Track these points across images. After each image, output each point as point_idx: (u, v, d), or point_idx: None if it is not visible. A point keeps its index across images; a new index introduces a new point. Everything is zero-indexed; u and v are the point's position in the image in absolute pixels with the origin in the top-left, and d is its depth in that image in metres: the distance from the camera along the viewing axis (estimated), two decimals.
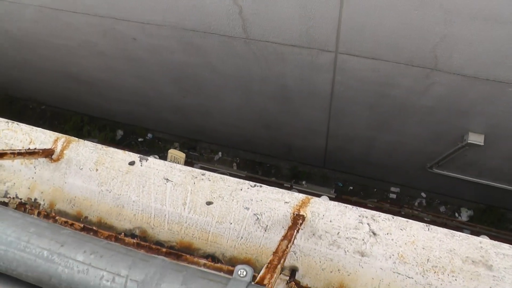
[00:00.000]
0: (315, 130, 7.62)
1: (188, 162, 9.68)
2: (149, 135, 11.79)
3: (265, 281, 1.31)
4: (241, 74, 5.93)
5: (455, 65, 4.22)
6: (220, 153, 11.25)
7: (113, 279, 1.11)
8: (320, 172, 10.58)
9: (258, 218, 2.28)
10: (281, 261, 1.53)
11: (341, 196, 8.77)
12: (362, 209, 2.23)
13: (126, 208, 2.44)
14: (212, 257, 2.26)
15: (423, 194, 10.14)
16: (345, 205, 2.25)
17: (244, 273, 1.20)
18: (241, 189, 2.34)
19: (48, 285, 1.16)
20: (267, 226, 2.27)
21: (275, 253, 1.58)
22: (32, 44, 7.27)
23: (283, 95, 6.35)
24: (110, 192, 2.47)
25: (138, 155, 2.53)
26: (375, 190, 10.43)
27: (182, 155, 3.55)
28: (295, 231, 1.91)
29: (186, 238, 2.32)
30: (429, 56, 4.17)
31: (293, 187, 8.46)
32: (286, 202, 2.28)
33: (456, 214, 9.94)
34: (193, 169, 2.43)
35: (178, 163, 3.61)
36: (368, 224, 2.20)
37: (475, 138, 5.69)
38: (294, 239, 1.84)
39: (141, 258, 1.14)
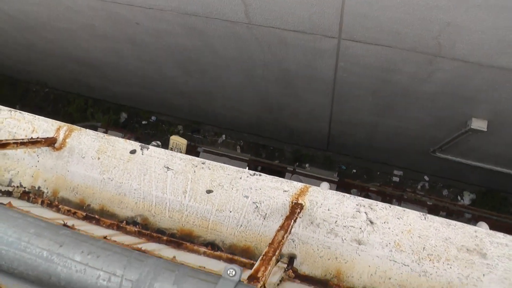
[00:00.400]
0: (318, 115, 7.62)
1: (192, 146, 9.73)
2: (153, 118, 11.82)
3: (259, 274, 1.35)
4: (244, 58, 5.93)
5: (459, 52, 4.20)
6: (223, 136, 11.29)
7: (109, 278, 1.14)
8: (323, 155, 10.60)
9: (257, 206, 2.32)
10: (277, 253, 1.56)
11: (343, 180, 8.79)
12: (360, 198, 2.26)
13: (127, 196, 2.48)
14: (212, 245, 2.30)
15: (426, 178, 10.16)
16: (343, 194, 2.28)
17: (233, 272, 1.23)
18: (241, 178, 2.37)
19: (48, 284, 1.19)
20: (266, 214, 2.30)
21: (271, 244, 1.61)
22: (34, 27, 7.26)
23: (285, 80, 6.35)
24: (112, 180, 2.51)
25: (139, 143, 2.56)
26: (378, 173, 10.46)
27: (183, 141, 3.58)
28: (292, 221, 1.94)
29: (187, 226, 2.37)
30: (432, 43, 4.15)
31: (296, 170, 8.49)
32: (285, 191, 2.31)
33: (459, 198, 9.97)
34: (194, 157, 2.45)
35: (180, 149, 3.66)
36: (365, 213, 2.23)
37: (479, 124, 5.68)
38: (291, 229, 1.88)
39: (136, 258, 1.17)
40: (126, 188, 2.48)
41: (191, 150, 9.43)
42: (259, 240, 2.28)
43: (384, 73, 5.14)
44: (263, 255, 1.50)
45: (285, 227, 1.80)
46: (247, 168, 9.13)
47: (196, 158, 2.46)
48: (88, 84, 10.38)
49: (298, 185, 2.32)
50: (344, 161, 10.51)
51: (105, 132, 9.86)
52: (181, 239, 2.32)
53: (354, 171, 10.44)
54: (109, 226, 2.24)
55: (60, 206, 2.33)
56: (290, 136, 10.00)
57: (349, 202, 2.25)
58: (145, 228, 2.36)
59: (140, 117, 11.88)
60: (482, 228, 3.35)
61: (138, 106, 11.58)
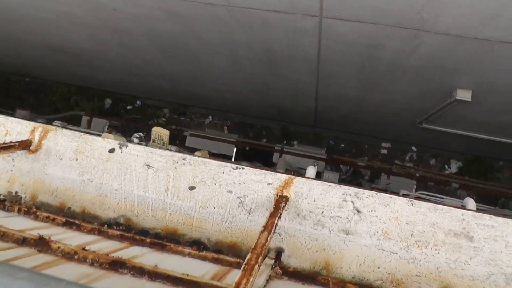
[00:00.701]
0: (304, 92, 7.56)
1: (178, 130, 9.64)
2: (138, 102, 11.68)
3: (241, 287, 1.30)
4: (226, 40, 5.81)
5: (442, 26, 4.13)
6: (210, 117, 11.20)
7: None
8: (311, 131, 10.58)
9: (241, 201, 2.27)
10: (260, 259, 1.51)
11: (332, 156, 8.78)
12: (346, 187, 2.22)
13: (109, 196, 2.41)
14: (198, 243, 2.26)
15: (413, 148, 10.21)
16: (328, 183, 2.23)
17: None
18: (223, 172, 2.32)
19: None
20: (251, 208, 2.26)
21: (253, 250, 1.56)
22: (10, 17, 7.05)
23: (269, 59, 6.25)
24: (92, 181, 2.45)
25: (118, 141, 2.48)
26: (366, 146, 10.48)
27: (166, 132, 3.50)
28: (277, 218, 1.90)
29: (171, 225, 2.32)
30: (416, 17, 4.07)
31: (284, 149, 8.45)
32: (269, 184, 2.27)
33: (446, 166, 10.04)
34: (174, 153, 2.39)
35: (163, 140, 3.58)
36: (352, 202, 2.20)
37: (463, 95, 5.69)
38: (275, 228, 1.83)
39: None
40: (107, 188, 2.42)
41: (178, 135, 9.35)
42: (245, 235, 2.24)
43: (369, 49, 5.06)
44: (245, 264, 1.45)
45: (268, 227, 1.76)
46: (234, 149, 9.10)
47: (177, 154, 2.39)
48: (70, 72, 10.18)
49: (282, 176, 2.27)
50: (332, 136, 10.50)
51: (90, 120, 9.75)
52: (165, 238, 2.27)
53: (343, 145, 10.44)
54: (90, 231, 2.17)
55: (38, 213, 2.26)
56: (277, 114, 9.93)
57: (335, 192, 2.21)
58: (128, 230, 2.31)
59: (125, 102, 11.73)
60: (469, 205, 3.36)
61: (123, 92, 11.41)
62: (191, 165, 2.36)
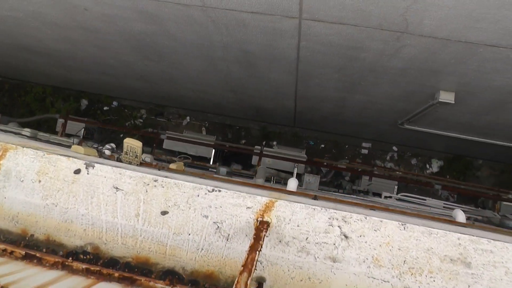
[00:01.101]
0: (283, 93, 7.41)
1: (154, 133, 9.39)
2: (115, 103, 11.38)
3: None
4: (202, 41, 5.61)
5: (427, 29, 4.01)
6: (188, 118, 10.97)
7: None
8: (291, 131, 10.45)
9: (218, 226, 2.09)
10: None
11: (312, 159, 8.65)
12: (332, 210, 2.06)
13: (75, 222, 2.20)
14: (172, 272, 2.07)
15: (394, 148, 10.17)
16: (313, 207, 2.07)
17: None
18: (198, 195, 2.13)
19: None
20: (229, 235, 2.08)
21: None
22: None
23: (247, 61, 6.08)
24: (56, 206, 2.23)
25: (84, 161, 2.27)
26: (346, 146, 10.39)
27: (138, 144, 3.30)
28: (257, 253, 1.72)
29: (142, 253, 2.12)
30: (399, 20, 3.94)
31: (264, 152, 8.28)
32: (248, 208, 2.09)
33: (427, 165, 10.02)
34: (144, 174, 2.19)
35: (135, 152, 3.37)
36: (339, 226, 2.04)
37: (446, 97, 5.63)
38: (255, 265, 1.65)
39: None
40: (73, 213, 2.21)
41: (154, 138, 9.11)
42: (223, 263, 2.06)
43: (350, 50, 4.92)
44: None
45: (248, 265, 1.58)
46: (213, 152, 8.89)
47: (147, 175, 2.20)
48: (45, 72, 9.86)
49: (263, 199, 2.10)
50: (312, 136, 10.39)
51: (65, 123, 9.42)
52: (136, 269, 2.07)
53: (323, 146, 10.33)
54: (53, 266, 1.96)
55: None
56: (256, 115, 9.78)
57: (321, 216, 2.05)
58: (96, 259, 2.11)
59: (102, 103, 11.42)
60: (459, 217, 3.23)
61: (99, 92, 11.12)
62: (163, 187, 2.17)
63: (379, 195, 7.32)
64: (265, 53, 5.59)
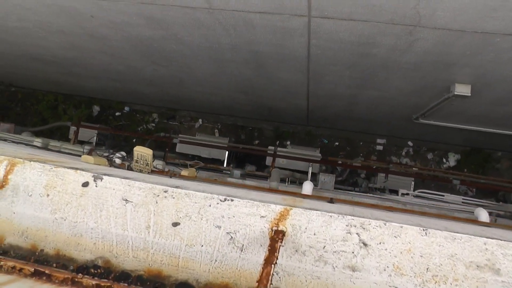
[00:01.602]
0: (294, 92, 7.32)
1: (167, 137, 9.35)
2: (126, 109, 11.39)
3: None
4: (210, 44, 5.55)
5: (440, 21, 3.89)
6: (200, 120, 10.92)
7: None
8: (304, 130, 10.34)
9: (232, 237, 2.01)
10: None
11: (327, 158, 8.53)
12: (350, 217, 1.97)
13: (84, 236, 2.15)
14: (185, 285, 2.00)
15: (409, 143, 10.00)
16: (330, 214, 1.98)
17: None
18: (210, 205, 2.06)
19: None
20: (243, 245, 2.00)
21: None
22: None
23: (256, 61, 6.00)
24: (65, 220, 2.18)
25: (92, 173, 2.21)
26: (361, 143, 10.25)
27: (149, 152, 3.24)
28: (273, 266, 1.64)
29: (154, 266, 2.06)
30: (411, 13, 3.83)
31: (277, 152, 8.19)
32: (262, 216, 2.01)
33: (444, 160, 9.84)
34: (154, 185, 2.13)
35: (146, 160, 3.31)
36: (357, 233, 1.95)
37: (462, 89, 5.49)
38: (270, 280, 1.57)
39: None
40: (82, 227, 2.15)
41: (167, 143, 9.07)
42: (238, 275, 1.99)
43: (361, 47, 4.82)
44: None
45: (263, 280, 1.50)
46: (226, 154, 8.83)
47: (157, 186, 2.13)
48: (55, 80, 9.91)
49: (277, 208, 2.02)
50: (326, 134, 10.27)
51: (77, 130, 9.43)
52: (149, 282, 2.01)
53: (337, 143, 10.21)
54: (62, 283, 1.91)
55: (2, 263, 1.99)
56: (269, 115, 9.69)
57: (338, 223, 1.96)
58: (107, 273, 2.05)
59: (113, 108, 11.44)
60: (482, 217, 3.11)
61: (110, 98, 11.14)
62: (173, 198, 2.10)
63: (396, 192, 7.18)
64: (274, 53, 5.51)
